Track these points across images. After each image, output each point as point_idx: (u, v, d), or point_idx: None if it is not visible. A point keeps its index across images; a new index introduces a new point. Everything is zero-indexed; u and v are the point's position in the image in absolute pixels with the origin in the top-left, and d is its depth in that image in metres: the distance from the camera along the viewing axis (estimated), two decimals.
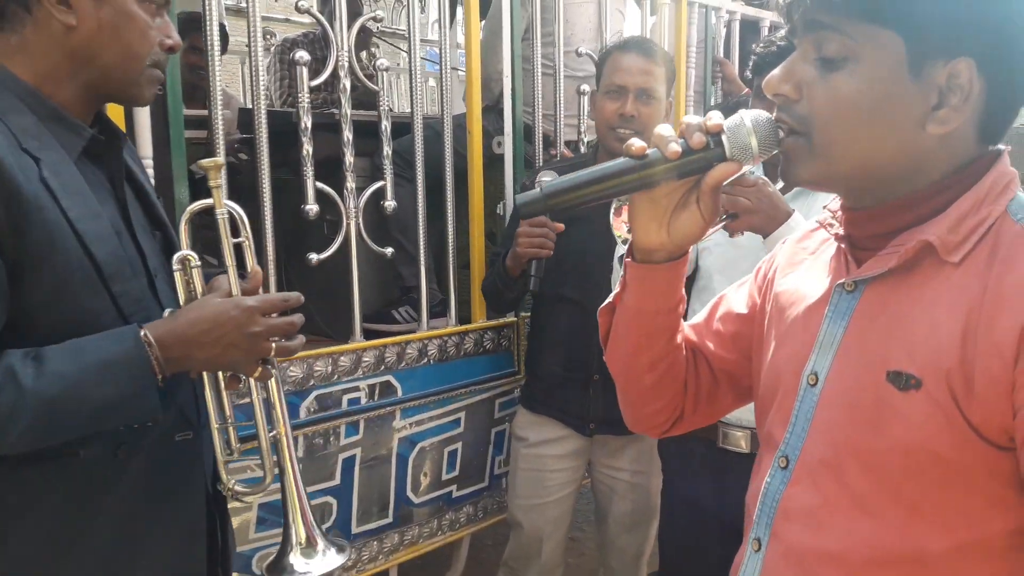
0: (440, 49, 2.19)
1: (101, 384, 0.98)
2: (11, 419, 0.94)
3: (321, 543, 1.17)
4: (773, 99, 0.82)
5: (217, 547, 1.25)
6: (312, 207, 1.90)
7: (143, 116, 1.65)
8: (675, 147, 0.81)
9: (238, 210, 1.17)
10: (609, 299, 1.01)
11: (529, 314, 2.32)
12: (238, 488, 1.18)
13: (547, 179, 1.86)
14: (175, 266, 1.12)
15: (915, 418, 0.75)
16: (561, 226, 1.92)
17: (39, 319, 1.01)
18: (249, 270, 1.16)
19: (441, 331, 2.22)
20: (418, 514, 2.22)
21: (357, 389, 2.00)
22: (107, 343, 1.01)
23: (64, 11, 1.04)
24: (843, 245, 0.87)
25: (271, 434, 1.17)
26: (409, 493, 2.18)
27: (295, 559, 1.15)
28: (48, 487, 1.04)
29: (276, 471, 1.20)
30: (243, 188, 2.11)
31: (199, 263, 1.13)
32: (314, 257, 1.93)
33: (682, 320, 1.02)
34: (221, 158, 1.16)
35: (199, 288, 1.12)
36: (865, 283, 0.83)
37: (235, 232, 1.17)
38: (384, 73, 2.07)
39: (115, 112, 1.57)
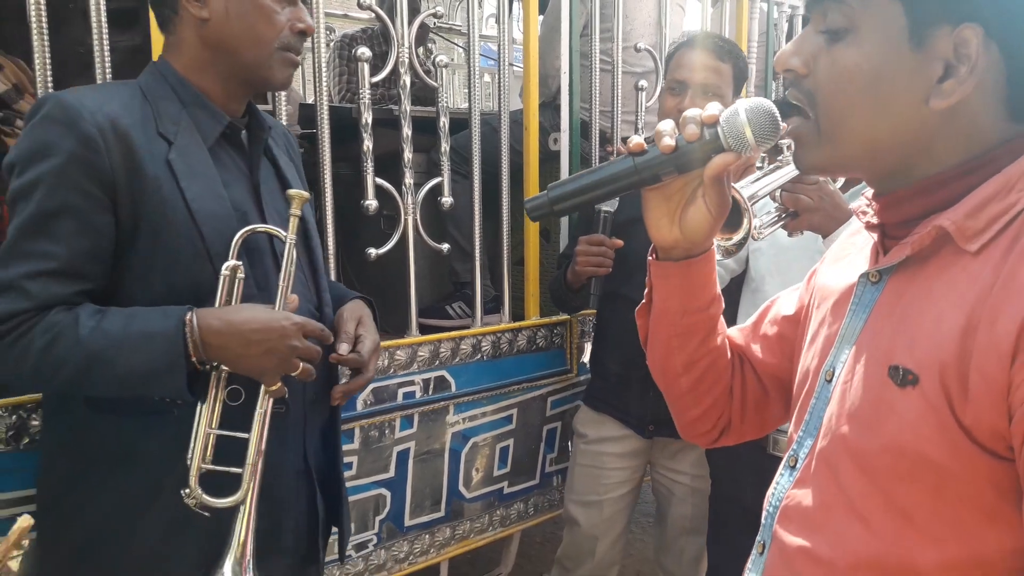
0: (499, 45, 2.18)
1: (136, 352, 1.06)
2: (61, 366, 1.06)
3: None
4: (784, 75, 0.79)
5: (317, 519, 1.33)
6: (372, 202, 1.91)
7: None
8: (668, 141, 0.81)
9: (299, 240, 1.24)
10: (643, 300, 0.99)
11: (589, 312, 2.30)
12: (205, 499, 1.14)
13: (607, 208, 1.87)
14: (223, 271, 1.16)
15: (908, 417, 0.70)
16: (620, 242, 1.91)
17: (144, 287, 1.12)
18: (288, 299, 1.20)
19: (495, 327, 2.23)
20: (470, 509, 2.23)
21: (412, 383, 2.01)
22: (157, 316, 1.09)
23: (198, 6, 1.19)
24: (874, 234, 0.83)
25: (261, 450, 1.16)
26: (461, 488, 2.19)
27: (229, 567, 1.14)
28: (146, 437, 1.15)
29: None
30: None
31: (243, 276, 1.17)
32: (373, 252, 1.95)
33: (723, 323, 0.99)
34: (306, 192, 1.22)
35: (236, 300, 1.17)
36: (889, 273, 0.79)
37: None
38: (443, 70, 2.06)
39: None
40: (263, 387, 1.15)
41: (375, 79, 1.89)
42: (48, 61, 1.46)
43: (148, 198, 1.12)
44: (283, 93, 1.78)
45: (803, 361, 0.90)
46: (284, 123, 1.79)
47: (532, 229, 2.30)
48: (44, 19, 1.45)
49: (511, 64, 2.77)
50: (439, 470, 2.13)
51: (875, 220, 0.82)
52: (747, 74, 2.04)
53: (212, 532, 1.16)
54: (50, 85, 1.46)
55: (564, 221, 2.42)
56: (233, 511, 1.15)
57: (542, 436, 2.38)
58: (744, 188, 1.30)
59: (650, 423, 2.09)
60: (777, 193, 1.52)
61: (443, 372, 2.09)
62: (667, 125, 0.82)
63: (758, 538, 0.88)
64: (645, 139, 0.84)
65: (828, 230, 1.51)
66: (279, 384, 1.14)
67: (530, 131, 2.23)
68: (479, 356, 2.17)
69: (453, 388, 2.11)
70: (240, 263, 1.16)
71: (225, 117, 1.22)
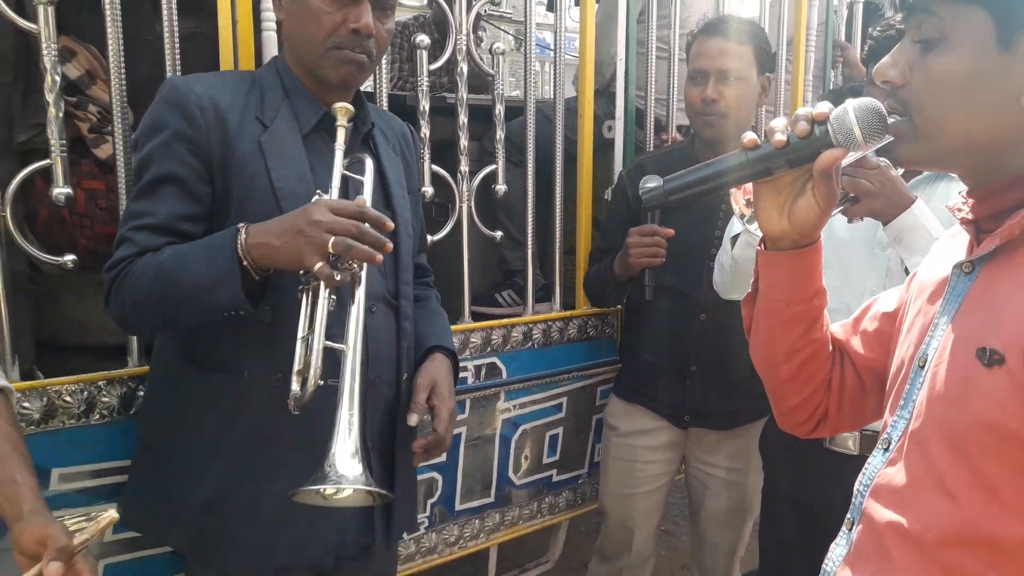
0: (555, 32, 2.18)
1: (198, 264, 1.16)
2: (147, 291, 1.18)
3: (362, 462, 1.14)
4: (882, 86, 0.85)
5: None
6: (428, 189, 1.93)
7: (271, 44, 1.73)
8: (780, 137, 0.87)
9: (363, 165, 1.32)
10: (750, 288, 1.03)
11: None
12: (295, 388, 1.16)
13: (652, 184, 1.85)
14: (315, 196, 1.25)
15: (995, 395, 0.75)
16: (671, 232, 1.89)
17: None
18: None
19: (546, 315, 2.23)
20: (518, 496, 2.24)
21: (464, 369, 2.03)
22: (219, 234, 1.19)
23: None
24: (968, 229, 0.87)
25: (340, 345, 1.18)
26: (511, 474, 2.20)
27: (341, 464, 1.12)
28: (216, 397, 1.28)
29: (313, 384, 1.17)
30: None
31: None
32: (428, 238, 1.96)
33: (826, 316, 1.03)
34: (349, 105, 1.30)
35: None
36: (981, 264, 0.84)
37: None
38: (499, 57, 2.07)
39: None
40: (355, 293, 1.19)
41: (433, 66, 1.90)
42: (121, 48, 1.49)
43: (237, 174, 1.25)
44: None
45: (899, 351, 0.94)
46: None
47: (584, 218, 2.30)
48: (117, 7, 1.49)
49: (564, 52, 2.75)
50: (489, 456, 2.14)
51: (969, 216, 0.87)
52: (770, 53, 2.01)
53: (263, 489, 1.27)
54: (122, 71, 1.50)
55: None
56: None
57: (591, 425, 2.38)
58: None
59: (686, 413, 2.05)
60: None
61: (494, 359, 2.10)
62: (779, 122, 0.88)
63: (847, 515, 0.92)
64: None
65: (888, 216, 1.48)
66: (320, 264, 1.11)
67: (585, 119, 2.23)
68: (530, 344, 2.17)
69: (504, 375, 2.12)
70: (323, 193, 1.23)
71: (322, 107, 1.31)
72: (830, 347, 1.05)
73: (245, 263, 1.15)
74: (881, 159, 1.51)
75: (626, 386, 2.17)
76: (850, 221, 1.54)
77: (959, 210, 0.88)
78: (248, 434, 1.28)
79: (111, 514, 0.93)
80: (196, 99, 1.24)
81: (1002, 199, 0.82)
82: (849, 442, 1.68)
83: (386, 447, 1.39)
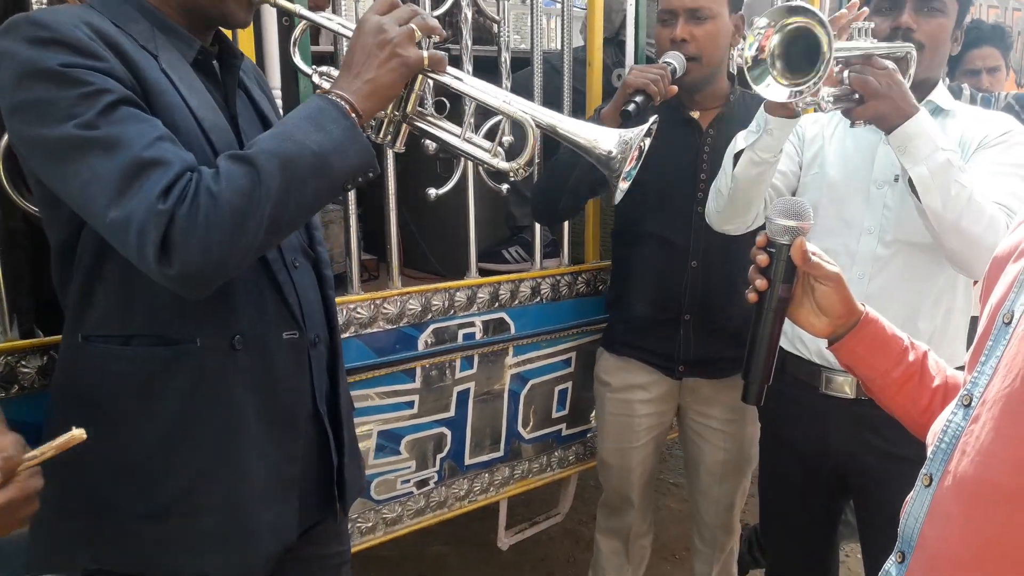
0: None
1: (311, 132, 1.01)
2: (258, 187, 0.96)
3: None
4: None
5: (331, 466, 1.27)
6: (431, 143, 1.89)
7: (272, 48, 1.68)
8: (760, 281, 1.04)
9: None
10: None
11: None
12: (502, 165, 1.19)
13: (673, 60, 1.78)
14: (312, 74, 1.22)
15: None
16: (675, 88, 1.80)
17: None
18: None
19: (554, 270, 2.21)
20: (528, 450, 2.25)
21: (472, 325, 2.02)
22: (299, 110, 1.06)
23: None
24: None
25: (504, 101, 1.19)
26: (520, 429, 2.21)
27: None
28: (169, 372, 1.09)
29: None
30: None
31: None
32: (432, 192, 1.94)
33: (931, 355, 1.10)
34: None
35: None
36: None
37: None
38: (504, 3, 2.01)
39: (246, 45, 1.60)
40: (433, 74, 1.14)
41: (436, 12, 1.85)
42: None
43: (155, 101, 1.03)
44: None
45: (988, 305, 0.93)
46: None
47: None
48: None
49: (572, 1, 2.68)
50: (498, 411, 2.14)
51: None
52: None
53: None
54: None
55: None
56: None
57: None
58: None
59: (680, 364, 2.02)
60: (846, 74, 1.46)
61: (502, 314, 2.09)
62: (754, 279, 1.05)
63: (924, 471, 0.92)
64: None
65: (893, 121, 1.44)
66: (426, 54, 1.10)
67: (593, 68, 2.17)
68: (538, 299, 2.16)
69: (512, 330, 2.11)
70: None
71: (196, 42, 1.14)
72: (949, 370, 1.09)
73: (355, 116, 1.05)
74: (888, 62, 1.47)
75: (617, 340, 2.12)
76: (852, 125, 1.50)
77: None
78: (213, 412, 1.11)
79: (76, 432, 0.87)
80: (74, 27, 0.99)
81: None
82: (846, 386, 1.67)
83: (332, 412, 1.29)
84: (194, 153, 1.01)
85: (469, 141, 1.20)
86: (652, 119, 1.22)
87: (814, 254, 1.04)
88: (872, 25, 1.51)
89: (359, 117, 1.05)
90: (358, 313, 1.82)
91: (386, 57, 1.06)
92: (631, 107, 1.75)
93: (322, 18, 1.20)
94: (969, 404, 0.87)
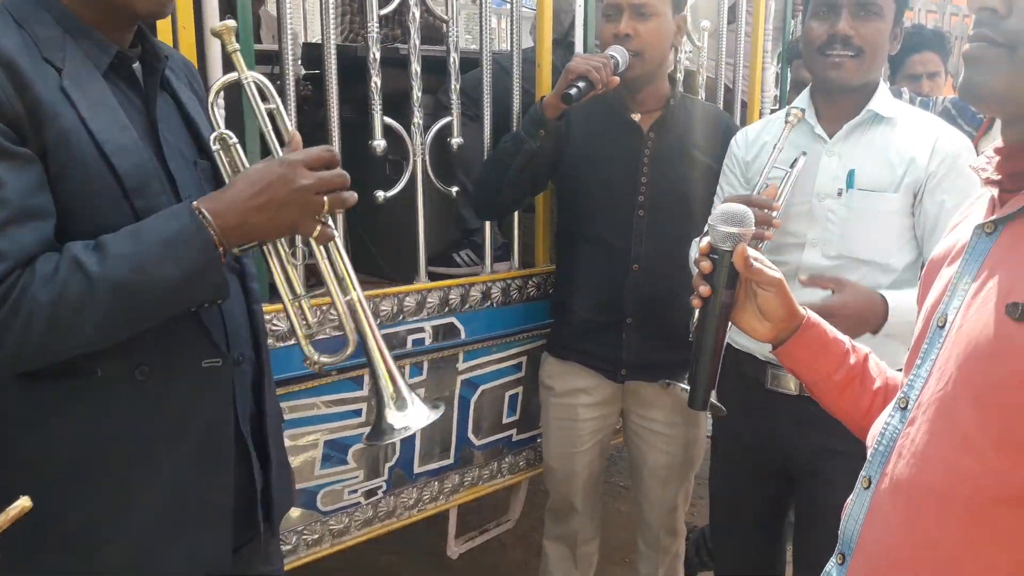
0: None
1: (165, 262, 0.97)
2: (84, 308, 0.94)
3: (410, 397, 1.16)
4: (977, 14, 0.80)
5: (255, 489, 1.21)
6: (380, 142, 1.85)
7: (214, 51, 1.61)
8: (704, 288, 1.04)
9: (261, 79, 1.14)
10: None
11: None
12: (324, 360, 1.16)
13: (616, 54, 1.78)
14: (214, 146, 1.09)
15: None
16: (617, 80, 1.80)
17: (68, 228, 1.00)
18: (288, 137, 1.12)
19: (505, 274, 2.18)
20: (478, 457, 2.22)
21: (422, 330, 1.98)
22: (163, 222, 1.00)
23: None
24: (992, 189, 0.86)
25: (346, 299, 1.14)
26: (470, 435, 2.17)
27: (392, 416, 1.13)
28: (67, 405, 1.04)
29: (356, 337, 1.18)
30: (306, 126, 2.08)
31: (237, 140, 1.10)
32: (380, 194, 1.89)
33: (873, 357, 1.10)
34: (232, 22, 1.12)
35: (242, 167, 1.11)
36: (1004, 224, 0.83)
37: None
38: (453, 3, 1.98)
39: (187, 45, 1.54)
40: (312, 241, 1.10)
41: (384, 11, 1.81)
42: None
43: (48, 131, 0.97)
44: (289, 33, 1.70)
45: (923, 308, 0.95)
46: (291, 62, 1.73)
47: None
48: None
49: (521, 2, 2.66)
50: (448, 417, 2.10)
51: (995, 176, 0.85)
52: None
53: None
54: None
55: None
56: None
57: None
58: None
59: (623, 367, 2.02)
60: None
61: (452, 319, 2.05)
62: (696, 283, 1.06)
63: (863, 473, 0.93)
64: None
65: (859, 333, 1.46)
66: (320, 228, 1.06)
67: (543, 69, 2.16)
68: (489, 303, 2.13)
69: (463, 335, 2.07)
70: (227, 132, 1.09)
71: (113, 47, 1.07)
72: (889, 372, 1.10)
73: (220, 248, 1.00)
74: (836, 299, 1.47)
75: (560, 344, 2.11)
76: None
77: (983, 170, 0.87)
78: (117, 444, 1.06)
79: (22, 502, 0.83)
80: None
81: None
82: (791, 383, 1.70)
83: (257, 432, 1.24)
84: (93, 182, 0.99)
85: (298, 308, 1.15)
86: None
87: (756, 260, 1.04)
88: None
89: (224, 248, 1.01)
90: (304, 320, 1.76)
91: (283, 214, 1.02)
92: (573, 91, 1.76)
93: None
94: (905, 407, 0.88)
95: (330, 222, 1.09)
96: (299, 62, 2.58)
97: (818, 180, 1.67)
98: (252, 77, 1.12)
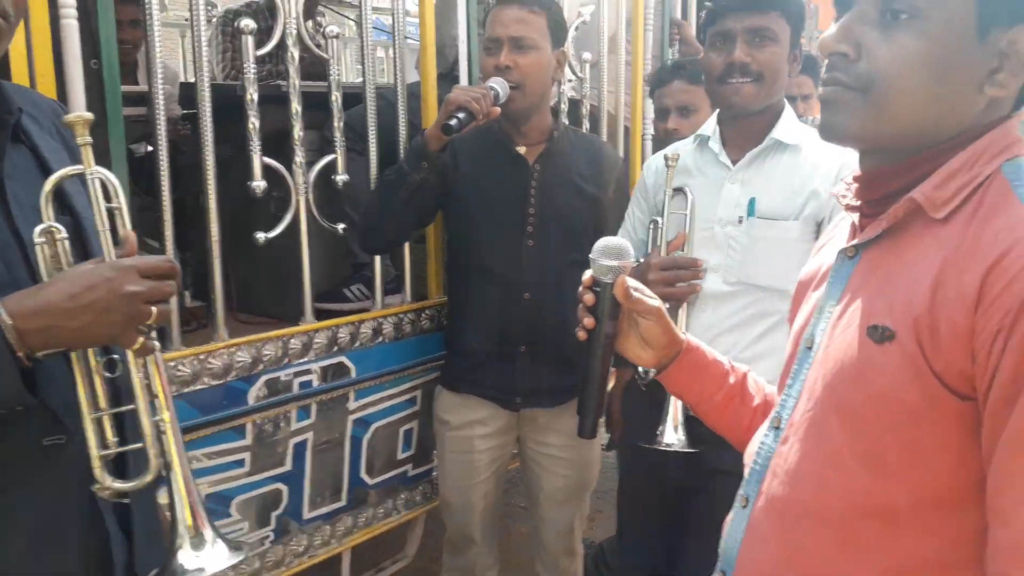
0: (393, 15, 2.09)
1: None
2: None
3: (211, 536, 1.06)
4: (828, 58, 0.84)
5: (113, 564, 1.12)
6: (259, 184, 1.81)
7: (77, 94, 1.53)
8: (586, 323, 1.06)
9: (106, 175, 1.05)
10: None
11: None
12: (116, 486, 1.04)
13: (496, 85, 1.78)
14: (37, 239, 0.99)
15: (888, 369, 0.78)
16: (498, 110, 1.83)
17: None
18: (122, 236, 1.04)
19: (396, 309, 2.16)
20: (372, 496, 2.18)
21: (309, 372, 1.93)
22: None
23: None
24: (853, 215, 0.90)
25: (155, 419, 1.04)
26: (363, 475, 2.14)
27: (184, 556, 1.03)
28: None
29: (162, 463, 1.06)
30: (185, 167, 2.01)
31: (67, 236, 1.02)
32: (261, 236, 1.85)
33: (751, 375, 1.14)
34: (88, 113, 1.03)
35: (66, 264, 1.01)
36: (864, 248, 0.87)
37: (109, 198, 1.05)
38: (333, 42, 1.96)
39: (46, 88, 1.46)
40: (129, 353, 1.01)
41: (260, 52, 1.77)
42: None
43: None
44: (160, 71, 1.64)
45: (793, 329, 0.99)
46: (162, 103, 1.66)
47: None
48: None
49: (406, 37, 2.67)
50: (340, 459, 2.06)
51: (854, 202, 0.89)
52: (564, 26, 2.01)
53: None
54: None
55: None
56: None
57: None
58: None
59: (518, 396, 2.03)
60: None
61: (342, 358, 2.01)
62: (580, 315, 1.07)
63: (740, 492, 0.96)
64: None
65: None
66: (142, 341, 0.99)
67: (428, 104, 2.16)
68: (380, 339, 2.10)
69: (353, 374, 2.04)
70: (56, 225, 1.00)
71: None
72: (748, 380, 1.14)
73: (20, 353, 0.91)
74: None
75: (454, 376, 2.10)
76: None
77: (843, 196, 0.91)
78: None
79: None
80: None
81: (888, 184, 0.84)
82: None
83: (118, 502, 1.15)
84: None
85: (96, 421, 1.04)
86: None
87: (636, 290, 1.07)
88: None
89: (24, 352, 0.92)
90: (180, 371, 1.69)
91: (103, 321, 0.94)
92: (453, 122, 1.77)
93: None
94: (779, 426, 0.92)
95: (153, 335, 1.02)
96: (176, 103, 2.50)
97: (720, 207, 1.71)
98: (98, 174, 1.04)
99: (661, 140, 2.40)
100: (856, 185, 0.89)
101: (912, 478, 0.78)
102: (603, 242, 1.06)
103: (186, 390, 1.70)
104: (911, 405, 0.77)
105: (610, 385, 1.53)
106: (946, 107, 0.80)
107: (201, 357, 1.71)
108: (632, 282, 1.07)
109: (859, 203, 0.89)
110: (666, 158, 1.74)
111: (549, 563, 2.25)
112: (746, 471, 0.97)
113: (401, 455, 2.24)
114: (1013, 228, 0.74)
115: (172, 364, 1.66)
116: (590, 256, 1.05)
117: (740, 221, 1.68)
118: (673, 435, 1.65)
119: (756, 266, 1.65)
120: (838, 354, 0.84)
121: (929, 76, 0.78)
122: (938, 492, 0.78)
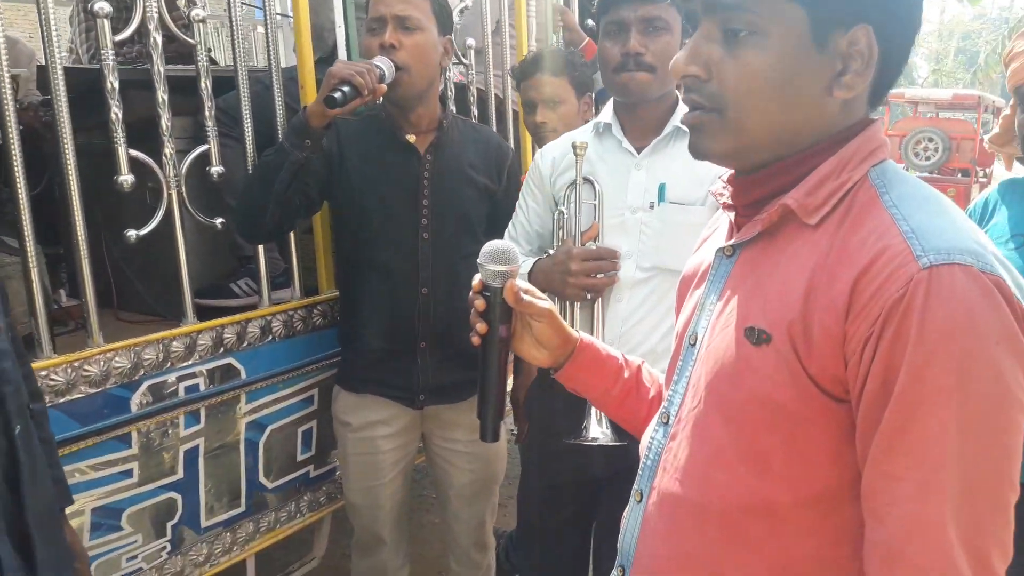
0: None
1: None
2: None
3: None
4: (681, 81, 0.86)
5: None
6: (126, 178, 1.69)
7: None
8: (481, 326, 1.06)
9: None
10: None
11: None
12: None
13: (381, 64, 1.71)
14: None
15: (765, 371, 0.80)
16: (384, 88, 1.76)
17: None
18: None
19: (286, 306, 2.07)
20: (273, 499, 2.10)
21: (194, 375, 1.83)
22: None
23: None
24: (730, 213, 0.92)
25: None
26: (262, 479, 2.05)
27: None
28: None
29: None
30: (50, 156, 1.86)
31: None
32: (132, 234, 1.73)
33: (645, 368, 1.15)
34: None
35: None
36: (741, 248, 0.89)
37: None
38: (201, 25, 1.84)
39: None
40: None
41: (119, 38, 1.64)
42: None
43: None
44: (3, 50, 1.49)
45: (677, 326, 1.00)
46: (13, 88, 1.52)
47: None
48: None
49: (284, 15, 2.56)
50: (235, 464, 1.97)
51: (730, 201, 0.91)
52: (450, 13, 1.97)
53: None
54: None
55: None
56: None
57: None
58: None
59: (420, 393, 1.98)
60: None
61: (230, 360, 1.92)
62: (472, 320, 1.06)
63: (635, 487, 0.97)
64: None
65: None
66: None
67: (306, 89, 2.06)
68: (270, 338, 2.01)
69: (243, 376, 1.95)
70: None
71: None
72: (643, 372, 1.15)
73: None
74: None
75: (353, 376, 2.02)
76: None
77: (720, 195, 0.93)
78: None
79: None
80: None
81: (759, 189, 0.86)
82: None
83: (15, 526, 1.12)
84: None
85: None
86: None
87: (526, 292, 1.06)
88: None
89: None
90: (53, 380, 1.57)
91: None
92: (337, 95, 1.69)
93: None
94: (667, 422, 0.93)
95: None
96: (33, 85, 2.32)
97: (629, 194, 1.70)
98: None
99: (532, 133, 2.36)
100: (731, 188, 0.91)
101: (792, 477, 0.80)
102: (489, 247, 1.05)
103: (61, 400, 1.58)
104: (788, 406, 0.79)
105: (509, 384, 1.51)
106: (799, 115, 0.82)
107: (76, 364, 1.59)
108: (522, 284, 1.06)
109: (734, 203, 0.90)
110: (574, 146, 1.71)
111: (461, 557, 2.23)
112: (640, 466, 0.98)
113: (301, 456, 2.17)
114: (880, 235, 0.75)
115: (44, 373, 1.54)
116: (478, 261, 1.04)
117: (652, 207, 1.68)
118: (598, 429, 1.64)
119: (669, 251, 1.65)
120: (718, 353, 0.86)
121: (776, 89, 0.80)
122: (817, 491, 0.80)
